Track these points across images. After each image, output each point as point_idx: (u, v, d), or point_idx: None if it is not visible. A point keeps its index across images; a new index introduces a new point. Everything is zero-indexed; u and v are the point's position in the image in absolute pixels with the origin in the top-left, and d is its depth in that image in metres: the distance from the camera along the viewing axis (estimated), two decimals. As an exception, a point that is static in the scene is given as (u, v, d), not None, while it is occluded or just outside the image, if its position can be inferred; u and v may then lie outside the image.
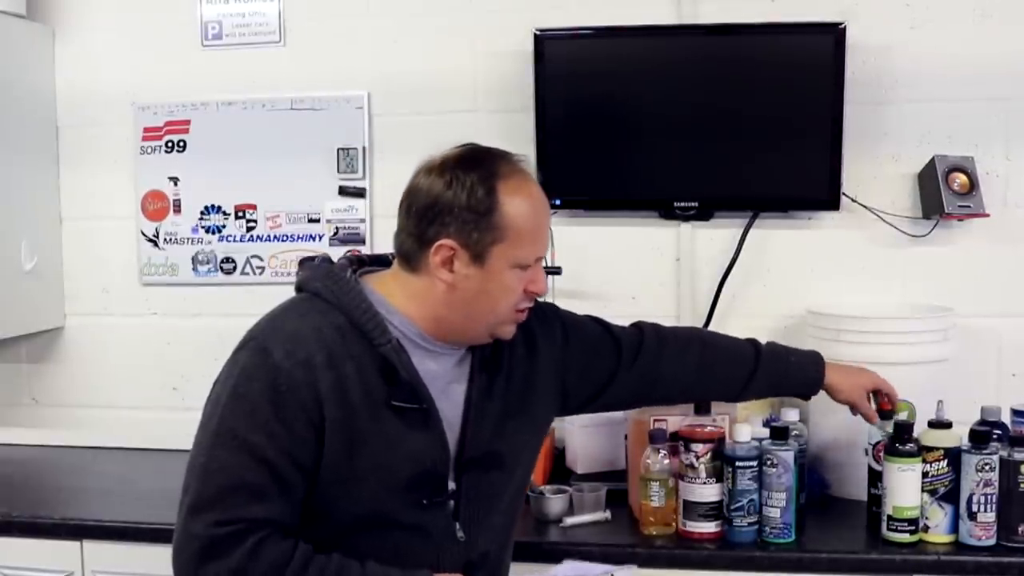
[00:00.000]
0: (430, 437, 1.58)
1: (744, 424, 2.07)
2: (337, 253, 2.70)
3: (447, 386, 1.63)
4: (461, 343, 1.64)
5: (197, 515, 1.49)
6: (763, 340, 2.01)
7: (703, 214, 2.65)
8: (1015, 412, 2.18)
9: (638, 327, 1.92)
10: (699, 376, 1.93)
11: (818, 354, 2.01)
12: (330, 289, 1.59)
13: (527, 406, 1.71)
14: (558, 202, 2.67)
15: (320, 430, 1.51)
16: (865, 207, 2.60)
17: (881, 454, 2.03)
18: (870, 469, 2.11)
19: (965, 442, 2.01)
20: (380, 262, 1.69)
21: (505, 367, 1.69)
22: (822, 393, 1.99)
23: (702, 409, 2.12)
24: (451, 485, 1.62)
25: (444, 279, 1.56)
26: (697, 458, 2.03)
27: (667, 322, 2.02)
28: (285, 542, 1.51)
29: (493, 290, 1.58)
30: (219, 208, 2.90)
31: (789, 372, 1.97)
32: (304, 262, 1.68)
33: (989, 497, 1.96)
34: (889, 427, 2.02)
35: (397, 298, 1.60)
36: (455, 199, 1.54)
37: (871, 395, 2.03)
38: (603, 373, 1.83)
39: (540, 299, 1.74)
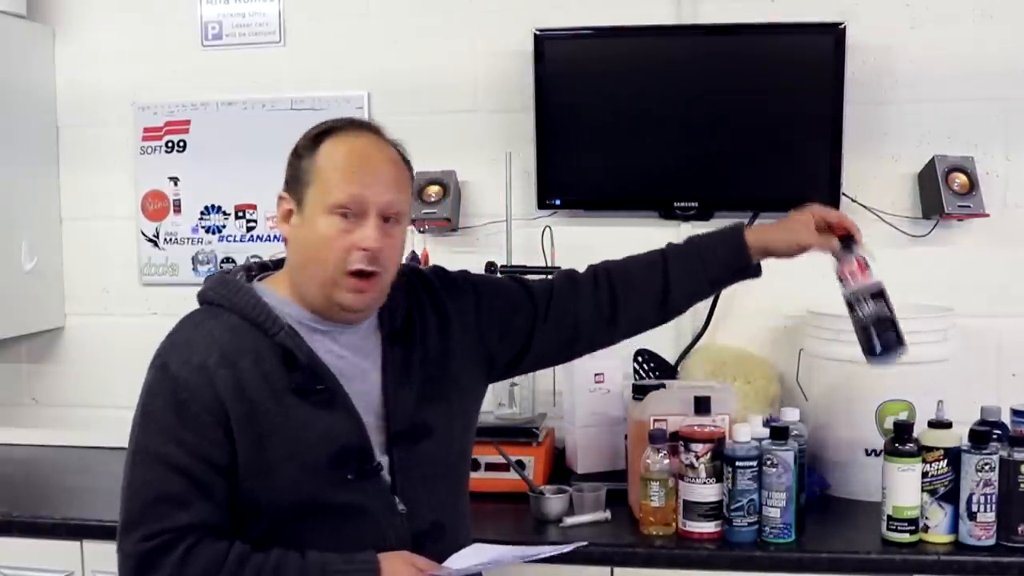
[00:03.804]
0: (340, 415, 1.58)
1: (744, 424, 2.07)
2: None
3: (359, 363, 1.64)
4: (326, 314, 1.61)
5: (127, 534, 1.53)
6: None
7: (703, 214, 2.65)
8: (1015, 412, 2.18)
9: (554, 277, 1.88)
10: (616, 308, 1.81)
11: (738, 226, 1.83)
12: (220, 294, 1.63)
13: (448, 374, 1.71)
14: (558, 202, 2.68)
15: (228, 428, 1.53)
16: (865, 207, 2.60)
17: (845, 270, 1.80)
18: (844, 298, 1.83)
19: (965, 442, 2.01)
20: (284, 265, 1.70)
21: (419, 340, 1.69)
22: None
23: (702, 409, 2.12)
24: (383, 459, 1.61)
25: (284, 234, 1.62)
26: (697, 458, 2.03)
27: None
28: (218, 544, 1.52)
29: (312, 238, 1.57)
30: (219, 208, 2.90)
31: (705, 258, 1.81)
32: (207, 277, 1.71)
33: (989, 497, 1.96)
34: (863, 251, 1.81)
35: (286, 288, 1.63)
36: (292, 155, 1.63)
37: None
38: (521, 331, 1.80)
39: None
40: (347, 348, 1.63)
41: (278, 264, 1.71)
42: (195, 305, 1.68)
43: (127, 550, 1.52)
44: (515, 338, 1.80)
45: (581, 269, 1.90)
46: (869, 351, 1.82)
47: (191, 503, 1.52)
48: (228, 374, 1.54)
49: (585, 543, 1.93)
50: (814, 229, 1.80)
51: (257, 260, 1.76)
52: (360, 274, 1.57)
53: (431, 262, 2.64)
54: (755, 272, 1.84)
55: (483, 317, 1.77)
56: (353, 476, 1.58)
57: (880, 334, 1.79)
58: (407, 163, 1.67)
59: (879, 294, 1.81)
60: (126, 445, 1.60)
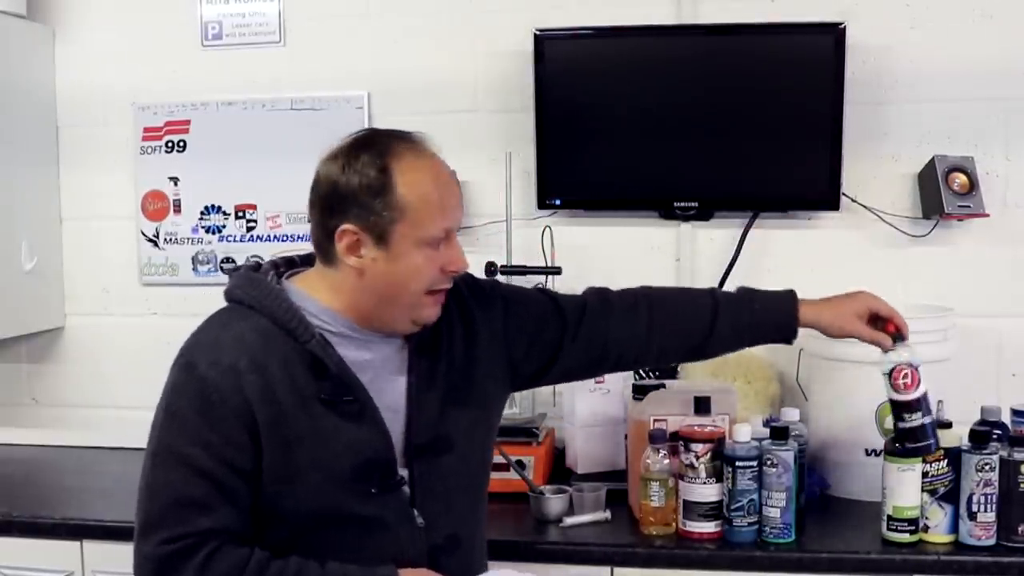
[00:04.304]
0: (368, 427, 1.57)
1: (744, 424, 2.07)
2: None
3: (386, 374, 1.62)
4: (386, 331, 1.62)
5: (146, 536, 1.51)
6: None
7: (703, 214, 2.65)
8: (1015, 412, 2.18)
9: (585, 294, 1.87)
10: (651, 334, 1.82)
11: (792, 293, 1.86)
12: (250, 294, 1.59)
13: (472, 387, 1.70)
14: (558, 202, 2.68)
15: (254, 433, 1.51)
16: (865, 207, 2.60)
17: (900, 381, 1.83)
18: (891, 400, 1.86)
19: (965, 442, 2.01)
20: (311, 261, 1.67)
21: (445, 351, 1.68)
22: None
23: (702, 409, 2.12)
24: (403, 472, 1.61)
25: (352, 265, 1.56)
26: (697, 458, 2.03)
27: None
28: (239, 551, 1.51)
29: (403, 272, 1.56)
30: (219, 208, 2.90)
31: (755, 319, 1.83)
32: (231, 271, 1.68)
33: (989, 497, 1.96)
34: (905, 352, 1.83)
35: (321, 293, 1.60)
36: (349, 183, 1.54)
37: (876, 322, 1.85)
38: (549, 344, 1.79)
39: (479, 277, 1.76)
40: (376, 359, 1.62)
41: (305, 260, 1.68)
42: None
43: (146, 552, 1.51)
44: (542, 351, 1.79)
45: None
46: (907, 452, 1.91)
47: (214, 508, 1.50)
48: (257, 379, 1.52)
49: None
50: (865, 321, 1.84)
51: (284, 256, 1.71)
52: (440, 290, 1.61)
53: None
54: (788, 341, 1.87)
55: (510, 327, 1.77)
56: (376, 490, 1.58)
57: (925, 439, 1.87)
58: None
59: (926, 402, 1.86)
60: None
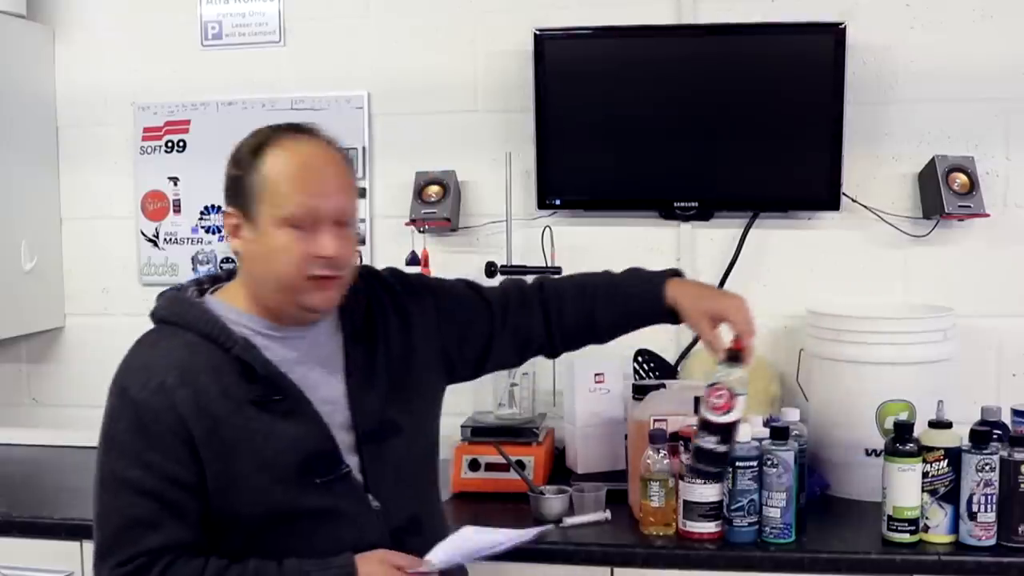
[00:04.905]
0: (303, 422, 1.58)
1: (744, 424, 2.07)
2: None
3: (319, 367, 1.64)
4: (291, 320, 1.62)
5: (103, 562, 1.54)
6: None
7: (703, 214, 2.65)
8: (1015, 412, 2.18)
9: (503, 285, 1.92)
10: (550, 324, 1.86)
11: (665, 273, 1.84)
12: (174, 312, 1.63)
13: (413, 374, 1.72)
14: (558, 202, 2.68)
15: (193, 446, 1.53)
16: (865, 207, 2.60)
17: (712, 400, 1.74)
18: (699, 416, 1.80)
19: (965, 442, 2.01)
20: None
21: (381, 339, 1.70)
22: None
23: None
24: (353, 459, 1.62)
25: (236, 249, 1.60)
26: (697, 458, 2.02)
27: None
28: (194, 562, 1.53)
29: (266, 252, 1.56)
30: (219, 208, 2.89)
31: (628, 303, 1.84)
32: (158, 295, 1.71)
33: (989, 497, 1.96)
34: (735, 373, 1.73)
35: (239, 300, 1.63)
36: (232, 170, 1.60)
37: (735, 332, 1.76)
38: (481, 337, 1.83)
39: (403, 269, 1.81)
40: (308, 353, 1.63)
41: (231, 275, 1.70)
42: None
43: None
44: (474, 343, 1.83)
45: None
46: (694, 471, 1.98)
47: (162, 524, 1.52)
48: (188, 392, 1.53)
49: (550, 527, 1.97)
50: (714, 327, 1.77)
51: (208, 273, 1.76)
52: (320, 277, 1.58)
53: (431, 262, 2.65)
54: (673, 321, 1.84)
55: (443, 320, 1.80)
56: (322, 481, 1.59)
57: (713, 466, 1.83)
58: (350, 162, 1.67)
59: (731, 431, 1.78)
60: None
